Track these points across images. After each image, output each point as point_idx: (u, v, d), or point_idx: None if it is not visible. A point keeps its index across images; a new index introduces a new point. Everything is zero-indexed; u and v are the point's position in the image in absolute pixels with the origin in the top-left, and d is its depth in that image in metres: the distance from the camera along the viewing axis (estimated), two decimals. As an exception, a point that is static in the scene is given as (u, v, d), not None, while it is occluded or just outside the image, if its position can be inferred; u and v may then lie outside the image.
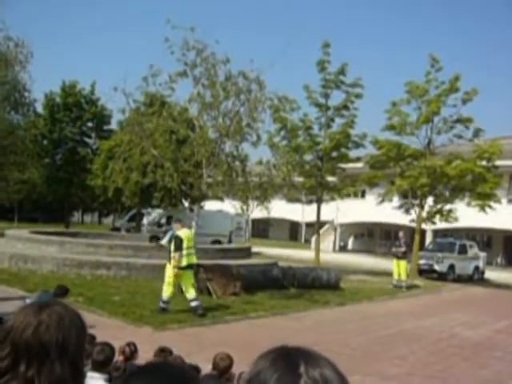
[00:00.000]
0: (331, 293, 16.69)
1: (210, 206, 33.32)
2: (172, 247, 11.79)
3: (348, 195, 26.45)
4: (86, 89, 43.84)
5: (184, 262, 11.70)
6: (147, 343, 7.07)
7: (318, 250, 25.64)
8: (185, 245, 11.72)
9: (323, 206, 25.81)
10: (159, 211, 30.80)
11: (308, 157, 24.99)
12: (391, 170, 26.00)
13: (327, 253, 35.54)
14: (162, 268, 12.38)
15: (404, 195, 27.34)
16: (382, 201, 26.59)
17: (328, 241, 44.77)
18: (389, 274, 21.79)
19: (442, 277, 24.73)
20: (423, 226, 26.95)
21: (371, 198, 30.82)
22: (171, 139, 15.06)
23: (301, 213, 43.39)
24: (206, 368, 5.21)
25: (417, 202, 25.41)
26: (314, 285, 17.03)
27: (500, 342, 12.17)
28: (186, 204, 32.20)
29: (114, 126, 43.05)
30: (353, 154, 25.50)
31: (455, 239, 29.16)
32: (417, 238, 25.45)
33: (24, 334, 1.43)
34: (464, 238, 33.57)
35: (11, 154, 31.41)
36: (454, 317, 15.14)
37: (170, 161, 14.74)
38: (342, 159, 24.92)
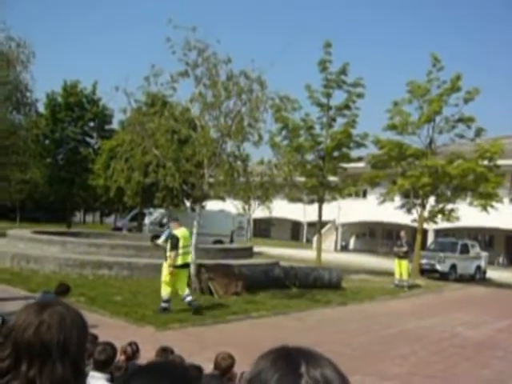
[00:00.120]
0: (333, 292, 16.68)
1: (212, 205, 33.30)
2: (168, 246, 11.84)
3: (349, 195, 26.48)
4: (87, 89, 43.90)
5: (179, 261, 11.73)
6: (149, 343, 7.08)
7: (319, 250, 25.64)
8: (181, 244, 11.76)
9: (325, 206, 25.82)
10: (161, 211, 30.81)
11: (309, 156, 25.02)
12: (393, 170, 25.98)
13: (329, 252, 35.53)
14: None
15: (406, 195, 27.31)
16: (384, 200, 26.57)
17: (330, 240, 44.76)
18: (390, 273, 21.77)
19: (443, 276, 24.69)
20: (425, 225, 26.91)
21: (373, 198, 30.78)
22: (173, 139, 15.05)
23: (302, 212, 43.35)
24: (208, 368, 5.22)
25: (418, 201, 25.38)
26: (315, 284, 17.03)
27: (502, 341, 12.16)
28: (188, 204, 32.21)
29: (115, 125, 43.15)
30: (354, 153, 25.54)
31: (457, 239, 29.11)
32: (418, 237, 25.42)
33: (25, 334, 1.44)
34: (466, 237, 33.51)
35: (13, 154, 31.41)
36: (455, 316, 15.13)
37: (172, 161, 14.73)
38: (344, 159, 24.93)
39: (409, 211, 26.14)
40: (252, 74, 14.38)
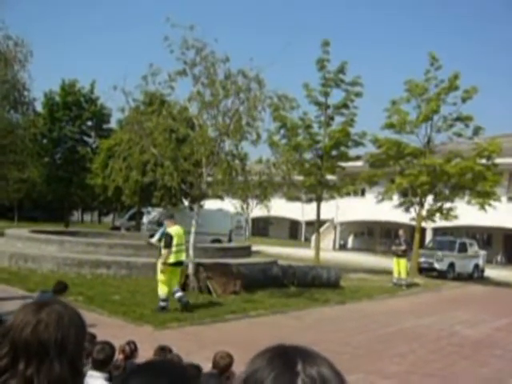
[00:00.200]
0: (331, 291, 16.69)
1: (210, 204, 33.27)
2: (162, 244, 11.85)
3: (348, 194, 26.45)
4: (85, 88, 43.91)
5: (172, 259, 11.74)
6: (147, 342, 7.07)
7: (317, 249, 25.65)
8: (175, 242, 11.77)
9: (323, 205, 25.82)
10: (159, 210, 30.79)
11: (308, 155, 25.01)
12: (391, 169, 26.00)
13: (327, 251, 35.54)
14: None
15: (404, 193, 27.35)
16: (382, 199, 26.60)
17: (328, 239, 44.79)
18: (389, 272, 21.80)
19: (441, 275, 24.73)
20: (423, 224, 26.94)
21: (371, 197, 30.82)
22: (171, 138, 15.04)
23: (301, 211, 43.34)
24: (206, 367, 5.21)
25: (417, 200, 25.41)
26: (313, 283, 17.03)
27: (500, 340, 12.18)
28: (186, 203, 32.19)
29: (113, 124, 43.18)
30: (352, 152, 25.56)
31: (455, 237, 29.18)
32: (417, 236, 25.46)
33: (23, 333, 1.43)
34: (464, 236, 33.57)
35: (11, 153, 31.39)
36: (453, 315, 15.15)
37: (170, 159, 14.72)
38: (342, 158, 24.93)
39: (407, 210, 26.17)
40: (250, 72, 14.39)
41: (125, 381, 1.30)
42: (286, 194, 27.75)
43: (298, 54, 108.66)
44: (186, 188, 15.98)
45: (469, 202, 24.80)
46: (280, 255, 27.07)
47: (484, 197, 23.97)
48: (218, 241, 28.53)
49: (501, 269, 33.56)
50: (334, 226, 45.86)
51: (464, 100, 24.12)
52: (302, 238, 50.83)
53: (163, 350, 5.28)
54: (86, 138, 45.07)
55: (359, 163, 27.20)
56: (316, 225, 26.36)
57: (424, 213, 25.35)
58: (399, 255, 20.38)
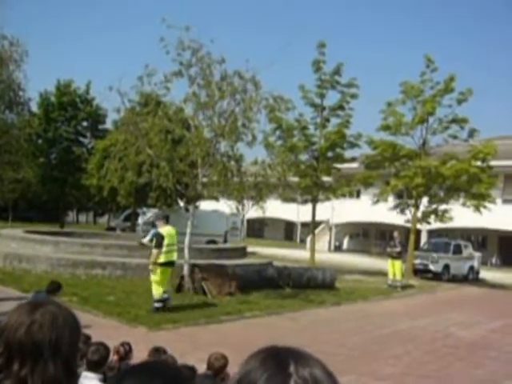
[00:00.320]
0: (326, 292, 16.70)
1: (206, 205, 33.28)
2: (153, 244, 11.86)
3: (343, 195, 26.48)
4: (80, 88, 43.83)
5: (162, 259, 11.73)
6: (142, 343, 7.06)
7: (313, 250, 25.67)
8: (166, 242, 11.78)
9: (318, 206, 25.85)
10: (154, 211, 30.74)
11: (303, 157, 25.06)
12: (386, 170, 26.05)
13: (322, 253, 35.57)
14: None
15: (399, 195, 27.40)
16: (377, 201, 26.63)
17: (323, 241, 44.82)
18: (384, 273, 21.82)
19: (436, 277, 24.77)
20: (418, 226, 26.99)
21: (366, 198, 30.85)
22: (166, 139, 15.02)
23: (296, 213, 43.39)
24: (201, 368, 5.21)
25: (412, 202, 25.46)
26: (309, 284, 17.04)
27: (495, 341, 12.20)
28: (182, 204, 32.16)
29: (109, 125, 43.05)
30: (348, 154, 25.60)
31: (450, 239, 29.21)
32: (412, 237, 25.50)
33: (17, 334, 1.43)
34: (459, 238, 33.60)
35: (5, 153, 31.25)
36: (448, 317, 15.18)
37: (166, 160, 14.70)
38: (338, 159, 24.98)
39: (402, 212, 26.21)
40: (246, 74, 14.40)
41: (119, 382, 1.30)
42: (281, 195, 27.80)
43: (296, 54, 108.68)
44: (181, 189, 15.98)
45: (464, 204, 24.86)
46: (275, 256, 27.07)
47: (479, 199, 24.04)
48: (214, 242, 28.51)
49: (496, 271, 33.66)
50: (330, 228, 45.89)
51: (459, 102, 24.19)
52: (298, 240, 50.85)
53: (158, 351, 5.27)
54: (81, 139, 44.97)
55: (355, 165, 27.24)
56: (311, 226, 26.38)
57: (419, 214, 25.39)
58: (394, 257, 20.41)
